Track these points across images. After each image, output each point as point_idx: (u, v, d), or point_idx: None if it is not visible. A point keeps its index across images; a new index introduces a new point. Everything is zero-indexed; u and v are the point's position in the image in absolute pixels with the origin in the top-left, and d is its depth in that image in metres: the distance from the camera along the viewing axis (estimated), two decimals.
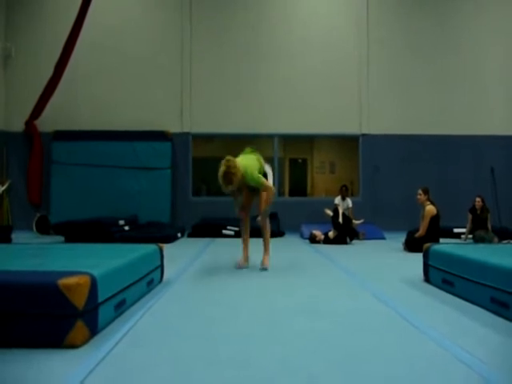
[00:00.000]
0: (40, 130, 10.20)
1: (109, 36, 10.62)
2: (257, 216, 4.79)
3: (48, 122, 10.10)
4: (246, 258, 4.75)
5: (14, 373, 1.95)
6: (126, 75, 10.63)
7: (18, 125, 10.19)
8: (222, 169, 4.15)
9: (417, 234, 6.62)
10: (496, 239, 7.56)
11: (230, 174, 4.14)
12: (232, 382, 1.85)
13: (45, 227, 9.40)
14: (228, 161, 4.18)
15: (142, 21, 10.80)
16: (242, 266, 4.70)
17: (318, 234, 7.75)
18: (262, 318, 2.82)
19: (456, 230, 8.57)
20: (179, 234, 8.53)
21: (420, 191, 6.73)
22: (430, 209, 6.57)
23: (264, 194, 4.48)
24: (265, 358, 2.11)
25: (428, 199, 6.68)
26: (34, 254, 3.55)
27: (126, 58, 10.63)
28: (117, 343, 2.32)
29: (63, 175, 9.97)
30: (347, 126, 10.83)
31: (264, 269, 4.58)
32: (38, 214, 9.65)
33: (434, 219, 6.56)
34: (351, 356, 2.15)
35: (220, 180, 4.18)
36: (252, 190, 4.60)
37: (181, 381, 1.87)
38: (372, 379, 1.89)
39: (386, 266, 5.29)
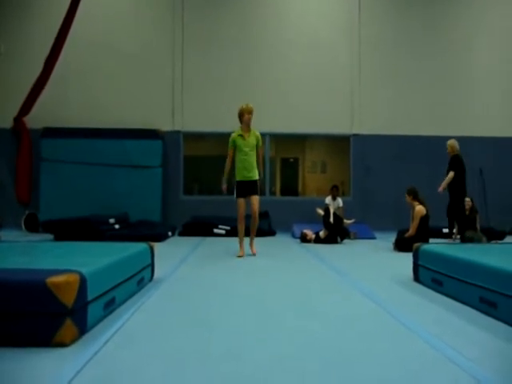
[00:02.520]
0: (29, 127, 10.09)
1: (100, 33, 10.54)
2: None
3: (37, 118, 9.99)
4: (251, 247, 5.87)
5: (2, 372, 1.93)
6: (117, 72, 10.56)
7: (6, 121, 10.06)
8: (246, 105, 5.84)
9: (407, 234, 6.67)
10: (484, 239, 7.64)
11: (251, 111, 5.80)
12: (225, 380, 1.84)
13: (34, 225, 9.31)
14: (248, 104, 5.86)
15: (134, 18, 10.74)
16: (242, 255, 5.67)
17: (309, 233, 7.76)
18: (253, 316, 2.82)
19: (445, 230, 8.64)
20: (170, 233, 8.49)
21: (406, 193, 6.80)
22: (420, 209, 6.62)
23: (255, 201, 5.71)
24: (257, 355, 2.11)
25: (417, 199, 6.74)
26: (23, 252, 3.51)
27: (117, 55, 10.56)
28: (106, 342, 2.30)
29: (53, 173, 9.86)
30: (338, 126, 10.87)
31: (253, 254, 5.80)
32: (27, 212, 9.56)
33: (424, 219, 6.61)
34: (342, 355, 2.16)
35: (245, 108, 5.77)
36: (248, 151, 5.75)
37: (172, 379, 1.86)
38: (363, 378, 1.89)
39: (376, 265, 5.32)
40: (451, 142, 7.56)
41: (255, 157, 5.76)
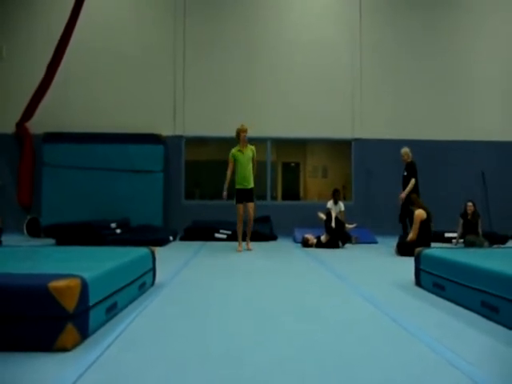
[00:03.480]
0: (31, 132, 10.12)
1: (101, 37, 10.59)
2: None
3: (39, 123, 10.01)
4: (247, 245, 7.03)
5: (3, 376, 1.93)
6: (119, 77, 10.60)
7: (8, 126, 10.10)
8: (241, 126, 7.08)
9: (408, 238, 6.66)
10: (486, 244, 7.63)
11: (246, 130, 7.03)
12: (226, 382, 1.85)
13: (36, 230, 9.32)
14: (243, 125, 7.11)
15: (135, 22, 10.79)
16: (240, 250, 6.89)
17: (311, 237, 7.76)
18: (254, 320, 2.82)
19: (447, 235, 8.64)
20: (171, 238, 8.50)
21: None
22: (419, 213, 6.61)
23: (251, 207, 6.94)
24: (257, 358, 2.11)
25: (417, 205, 6.74)
26: (25, 257, 3.52)
27: (119, 59, 10.61)
28: (108, 346, 2.31)
29: (55, 177, 9.88)
30: (340, 130, 10.88)
31: (249, 250, 6.91)
32: (29, 217, 9.57)
33: (425, 223, 6.60)
34: (342, 358, 2.16)
35: (241, 129, 7.00)
36: (245, 163, 6.99)
37: (174, 383, 1.87)
38: (363, 381, 1.89)
39: (377, 269, 5.31)
40: (406, 149, 7.93)
41: (251, 168, 7.00)
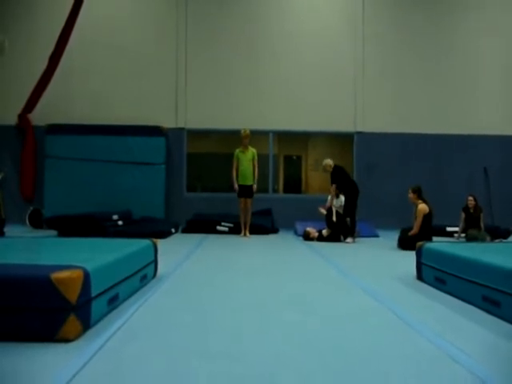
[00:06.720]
0: (33, 124, 10.11)
1: (103, 30, 10.55)
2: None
3: (41, 115, 10.00)
4: (245, 232, 8.16)
5: (6, 367, 1.94)
6: (121, 69, 10.56)
7: (10, 118, 10.09)
8: (244, 131, 8.17)
9: (410, 233, 6.65)
10: (488, 238, 7.62)
11: (248, 136, 8.12)
12: (226, 375, 1.85)
13: (38, 221, 9.34)
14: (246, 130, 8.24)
15: (138, 15, 10.73)
16: (243, 236, 8.08)
17: (312, 231, 7.76)
18: (254, 313, 2.83)
19: (449, 229, 8.63)
20: (173, 230, 8.51)
21: (409, 190, 6.77)
22: (422, 207, 6.60)
23: (249, 202, 8.14)
24: (258, 351, 2.12)
25: (420, 198, 6.71)
26: (27, 248, 3.54)
27: (121, 52, 10.56)
28: (110, 337, 2.32)
29: (57, 169, 9.89)
30: (342, 123, 10.84)
31: (248, 237, 7.97)
32: (31, 208, 9.59)
33: (427, 217, 6.59)
34: (343, 352, 2.16)
35: (243, 135, 8.09)
36: (247, 165, 8.16)
37: (174, 375, 1.87)
38: (365, 376, 1.90)
39: (378, 263, 5.31)
40: (327, 161, 7.98)
41: (251, 168, 8.14)
